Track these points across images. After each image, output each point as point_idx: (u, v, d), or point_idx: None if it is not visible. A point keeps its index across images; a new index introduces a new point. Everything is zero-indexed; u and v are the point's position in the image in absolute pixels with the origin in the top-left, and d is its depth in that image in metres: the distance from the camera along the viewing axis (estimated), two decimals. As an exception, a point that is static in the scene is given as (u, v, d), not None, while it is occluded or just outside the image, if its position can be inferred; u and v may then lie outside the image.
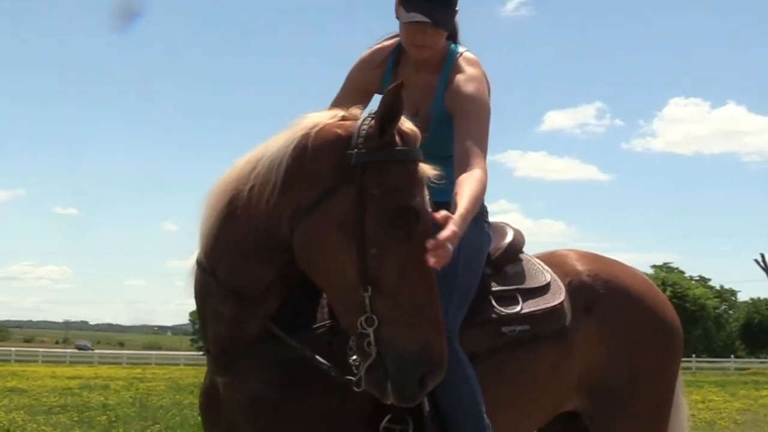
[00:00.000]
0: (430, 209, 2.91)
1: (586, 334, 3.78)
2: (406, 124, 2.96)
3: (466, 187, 3.06)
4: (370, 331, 2.78)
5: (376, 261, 2.80)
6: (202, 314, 3.23)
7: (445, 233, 2.75)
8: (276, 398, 3.10)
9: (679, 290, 69.49)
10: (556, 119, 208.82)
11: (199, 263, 3.18)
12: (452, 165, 3.21)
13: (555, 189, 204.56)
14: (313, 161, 2.95)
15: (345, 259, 2.83)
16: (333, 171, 2.91)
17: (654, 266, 77.37)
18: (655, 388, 3.93)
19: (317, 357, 3.01)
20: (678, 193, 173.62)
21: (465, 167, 3.16)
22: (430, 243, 2.71)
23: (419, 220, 2.84)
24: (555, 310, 3.72)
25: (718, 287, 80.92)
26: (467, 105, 3.36)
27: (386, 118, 2.87)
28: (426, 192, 2.93)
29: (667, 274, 73.35)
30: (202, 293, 3.19)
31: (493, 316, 3.59)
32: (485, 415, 3.31)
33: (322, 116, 3.07)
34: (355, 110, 3.06)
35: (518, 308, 3.65)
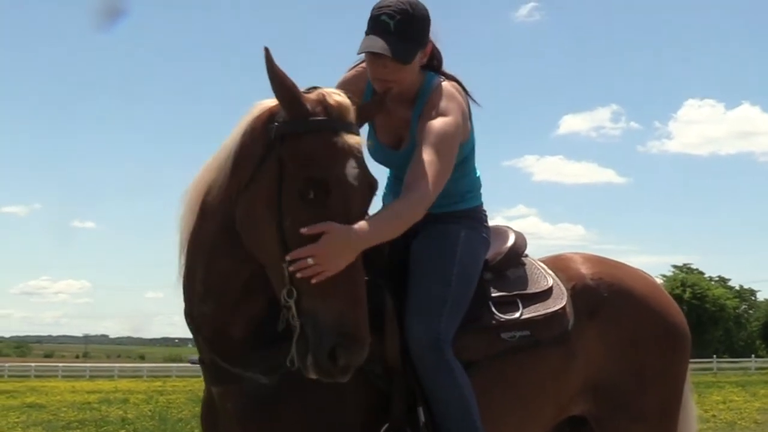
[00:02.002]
0: (356, 182, 2.88)
1: (589, 338, 3.74)
2: (335, 96, 2.97)
3: (388, 207, 3.05)
4: (292, 303, 2.78)
5: (290, 232, 2.81)
6: (190, 320, 3.24)
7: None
8: (269, 407, 3.11)
9: (699, 291, 69.20)
10: (572, 123, 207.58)
11: (182, 265, 3.21)
12: None
13: (573, 193, 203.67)
14: (251, 141, 3.00)
15: (268, 232, 2.87)
16: (263, 146, 2.95)
17: (674, 266, 77.14)
18: (662, 390, 3.89)
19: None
20: (695, 195, 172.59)
21: (405, 191, 3.11)
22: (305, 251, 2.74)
23: (330, 192, 2.82)
24: (556, 315, 3.67)
25: (737, 287, 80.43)
26: (426, 135, 3.23)
27: (283, 95, 2.91)
28: (352, 164, 2.89)
29: (686, 275, 73.05)
30: (187, 296, 3.22)
31: (493, 322, 3.55)
32: (479, 425, 3.29)
33: (273, 100, 3.08)
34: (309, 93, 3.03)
35: (518, 314, 3.60)
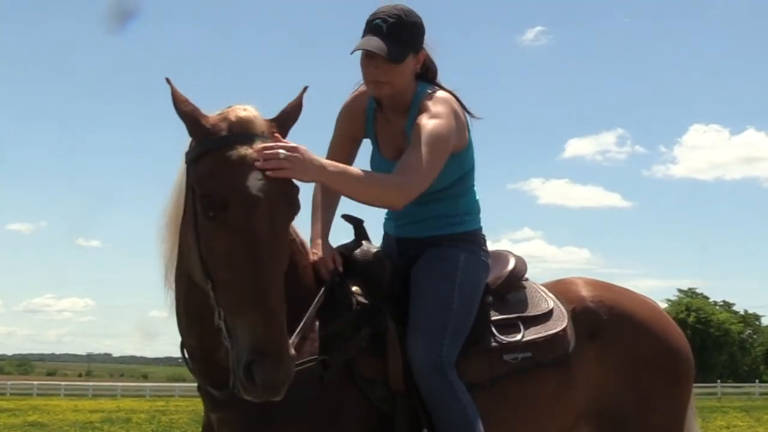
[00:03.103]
0: (260, 192, 2.79)
1: (589, 360, 3.76)
2: (239, 111, 2.96)
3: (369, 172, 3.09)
4: (221, 323, 2.78)
5: (206, 253, 2.83)
6: (183, 350, 3.27)
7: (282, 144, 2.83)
8: None
9: (703, 316, 69.21)
10: (578, 147, 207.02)
11: (171, 299, 3.24)
12: (429, 203, 3.22)
13: (578, 216, 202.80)
14: (186, 173, 3.03)
15: (194, 256, 2.90)
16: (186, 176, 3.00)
17: (679, 290, 77.09)
18: (664, 414, 3.90)
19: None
20: (700, 219, 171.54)
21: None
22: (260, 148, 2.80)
23: (228, 207, 2.77)
24: (557, 337, 3.70)
25: (742, 312, 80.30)
26: (416, 135, 3.31)
27: (184, 120, 2.94)
28: (254, 175, 2.80)
29: (691, 300, 72.99)
30: (178, 327, 3.24)
31: (494, 344, 3.58)
32: None
33: None
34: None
35: (519, 336, 3.63)
